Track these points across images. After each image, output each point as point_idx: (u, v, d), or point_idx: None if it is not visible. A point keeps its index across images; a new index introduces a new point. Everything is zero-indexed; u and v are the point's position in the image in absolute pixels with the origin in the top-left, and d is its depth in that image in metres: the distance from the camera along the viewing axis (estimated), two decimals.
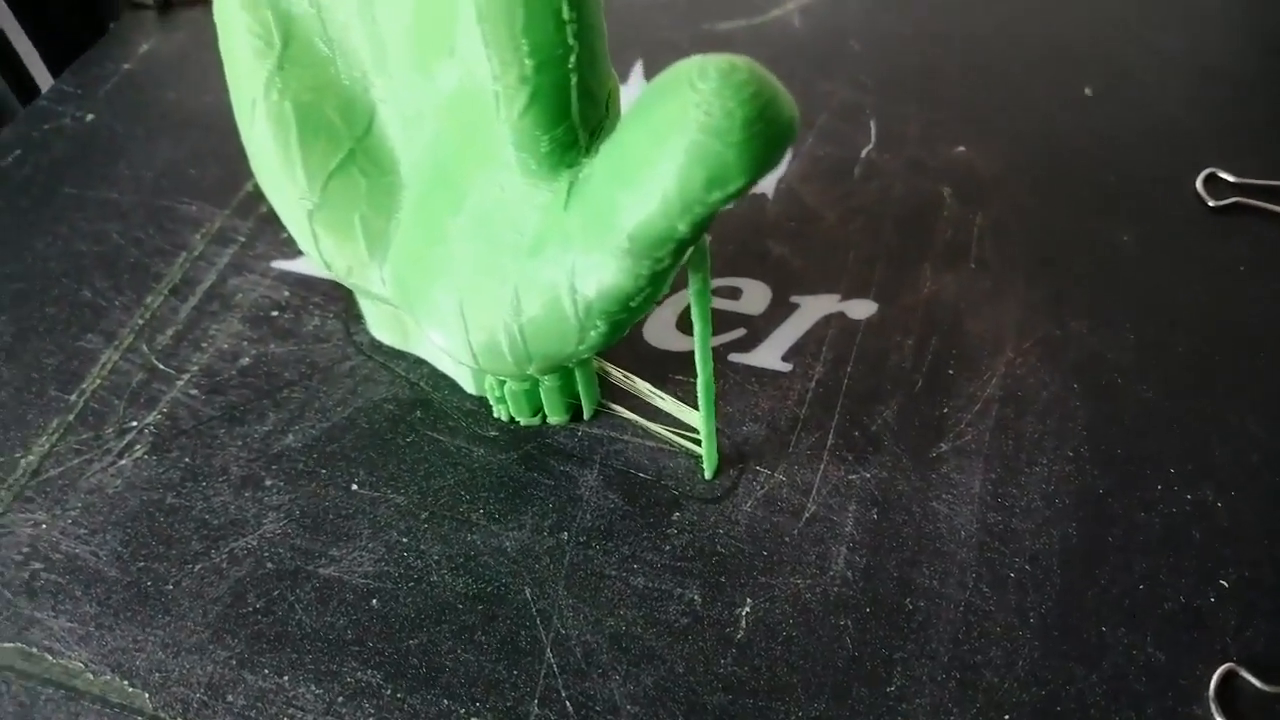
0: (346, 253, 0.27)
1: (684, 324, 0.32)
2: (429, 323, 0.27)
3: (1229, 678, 0.24)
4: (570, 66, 0.22)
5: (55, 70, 0.43)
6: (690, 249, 0.22)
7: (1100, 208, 0.35)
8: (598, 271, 0.22)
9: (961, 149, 0.36)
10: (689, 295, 0.24)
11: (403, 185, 0.26)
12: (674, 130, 0.18)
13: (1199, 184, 0.35)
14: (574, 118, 0.22)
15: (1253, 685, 0.24)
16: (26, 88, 0.44)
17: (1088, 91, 0.38)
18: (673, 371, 0.31)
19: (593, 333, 0.24)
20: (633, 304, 0.23)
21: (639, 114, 0.20)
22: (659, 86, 0.19)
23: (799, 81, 0.39)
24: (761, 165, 0.19)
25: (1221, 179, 0.35)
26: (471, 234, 0.24)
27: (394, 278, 0.27)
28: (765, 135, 0.18)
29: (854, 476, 0.28)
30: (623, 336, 0.25)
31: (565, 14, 0.21)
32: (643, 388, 0.29)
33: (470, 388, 0.31)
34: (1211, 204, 0.34)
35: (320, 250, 0.27)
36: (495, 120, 0.22)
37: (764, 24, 0.42)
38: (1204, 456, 0.28)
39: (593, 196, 0.21)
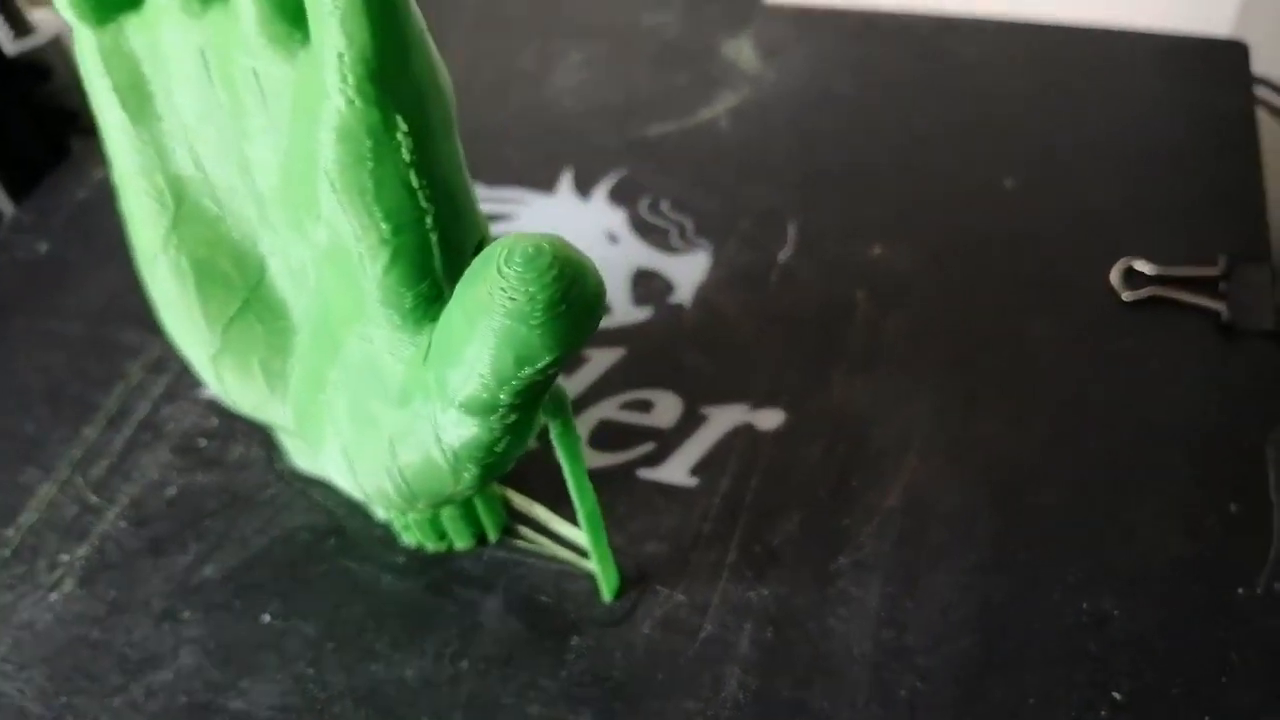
0: (250, 392, 0.28)
1: (597, 441, 0.33)
2: (324, 463, 0.27)
3: None
4: (428, 226, 0.22)
5: (17, 198, 0.45)
6: (541, 399, 0.23)
7: (1016, 303, 0.35)
8: (457, 427, 0.23)
9: (878, 249, 0.37)
10: (553, 439, 0.25)
11: (295, 330, 0.27)
12: (483, 313, 0.19)
13: (1114, 276, 0.35)
14: (438, 273, 0.23)
15: None
16: None
17: (1008, 183, 0.39)
18: None
19: (466, 475, 0.24)
20: (497, 450, 0.24)
21: (459, 294, 0.20)
22: (475, 268, 0.20)
23: (724, 186, 0.40)
24: (567, 343, 0.19)
25: (1138, 271, 0.35)
26: (346, 384, 0.25)
27: (294, 415, 0.28)
28: (568, 316, 0.19)
29: (752, 594, 0.29)
30: (502, 473, 0.25)
31: (414, 182, 0.22)
32: (541, 513, 0.30)
33: (382, 514, 0.31)
34: (1126, 297, 0.34)
35: (226, 390, 0.28)
36: (362, 277, 0.23)
37: (693, 127, 0.43)
38: (1105, 563, 0.28)
39: (434, 362, 0.22)
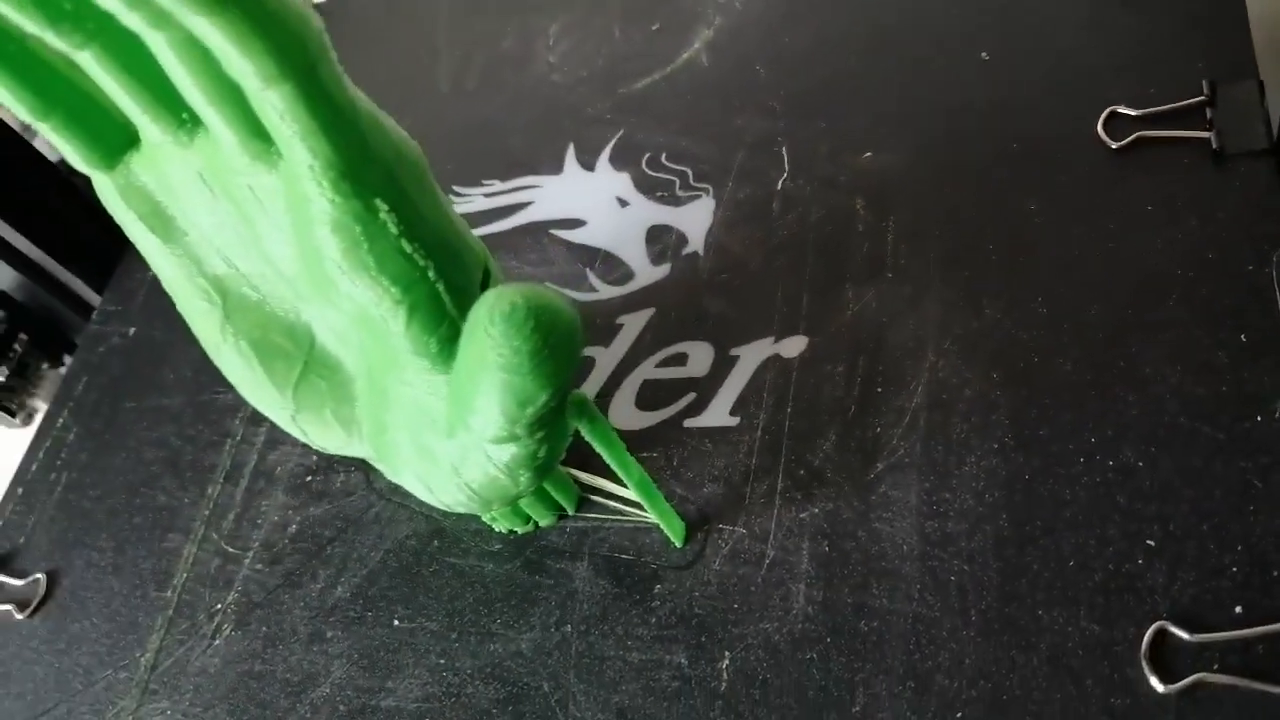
0: (331, 439, 0.32)
1: (641, 402, 0.36)
2: (411, 489, 0.31)
3: (1159, 636, 0.26)
4: (432, 279, 0.25)
5: (99, 288, 0.50)
6: (560, 415, 0.26)
7: (1007, 180, 0.36)
8: (499, 449, 0.26)
9: (869, 154, 0.38)
10: (585, 436, 0.28)
11: (354, 379, 0.31)
12: (483, 370, 0.22)
13: (1100, 126, 0.35)
14: (452, 314, 0.26)
15: (1181, 639, 0.26)
16: (86, 308, 0.51)
17: (984, 56, 0.39)
18: (636, 448, 0.34)
19: (523, 480, 0.28)
20: (539, 459, 0.27)
21: (462, 354, 0.23)
22: (467, 331, 0.23)
23: (714, 125, 0.41)
24: (557, 378, 0.22)
25: (1122, 115, 0.35)
26: (404, 425, 0.29)
27: (374, 452, 0.32)
28: (551, 357, 0.22)
29: (804, 515, 0.31)
30: (555, 466, 0.28)
31: (407, 247, 0.25)
32: (605, 485, 0.33)
33: None
34: (1113, 146, 0.35)
35: (311, 440, 0.32)
36: (389, 334, 0.26)
37: (675, 71, 0.44)
38: (1122, 418, 0.30)
39: (457, 410, 0.25)
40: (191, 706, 0.35)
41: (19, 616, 0.39)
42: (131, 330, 0.46)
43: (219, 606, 0.37)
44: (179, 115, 0.26)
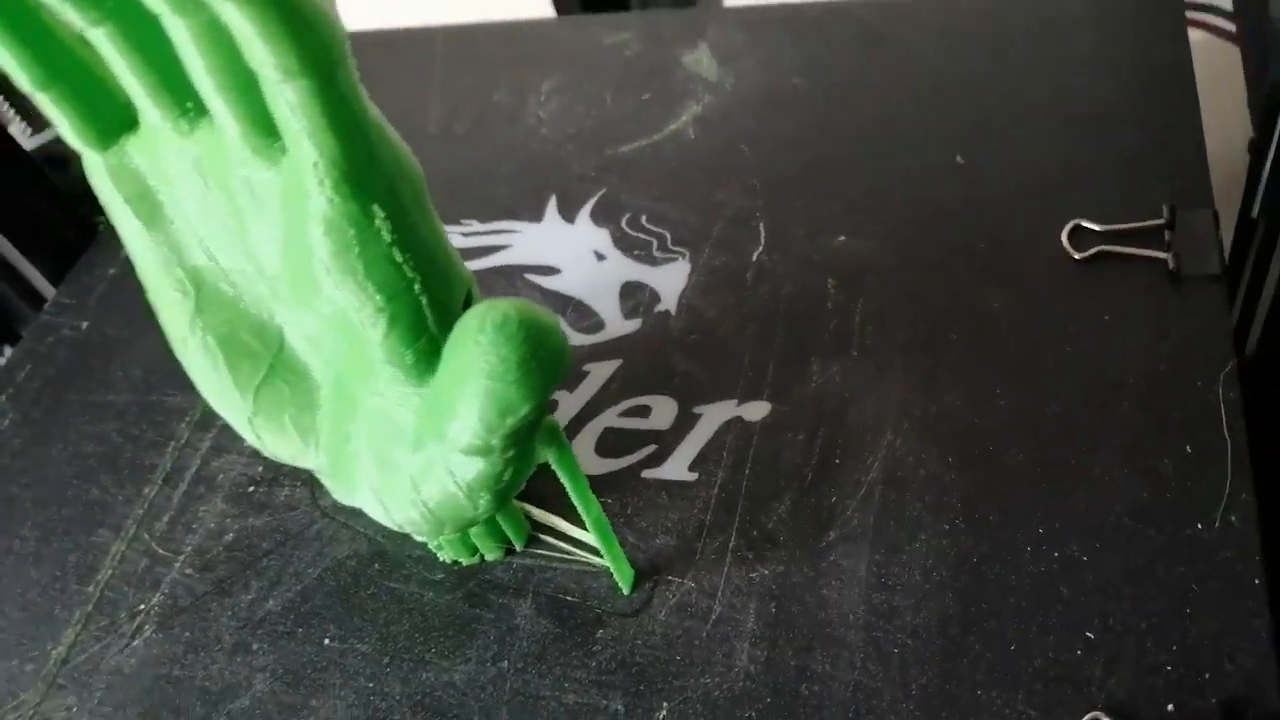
0: (286, 445, 0.32)
1: (601, 448, 0.36)
2: (360, 504, 0.31)
3: None
4: (417, 292, 0.26)
5: (55, 279, 0.49)
6: (533, 436, 0.26)
7: (973, 276, 0.37)
8: (465, 465, 0.26)
9: (843, 238, 0.39)
10: (552, 464, 0.28)
11: (318, 386, 0.31)
12: (469, 375, 0.22)
13: (1064, 237, 0.37)
14: (431, 329, 0.26)
15: None
16: (37, 299, 0.50)
17: (959, 160, 0.41)
18: (599, 492, 0.34)
19: (482, 502, 0.28)
20: (504, 479, 0.27)
21: (446, 358, 0.24)
22: (456, 336, 0.23)
23: (696, 194, 0.43)
24: (540, 392, 0.22)
25: (1086, 229, 0.37)
26: (369, 434, 0.28)
27: (327, 463, 0.31)
28: (538, 370, 0.22)
29: (754, 574, 0.32)
30: (515, 494, 0.28)
31: (398, 257, 0.25)
32: (560, 524, 0.33)
33: (418, 537, 0.35)
34: (1076, 256, 0.37)
35: (265, 446, 0.32)
36: (366, 342, 0.27)
37: (661, 140, 0.45)
38: (1070, 512, 0.31)
39: (433, 417, 0.25)
40: (100, 705, 0.33)
41: None
42: (84, 325, 0.46)
43: (142, 607, 0.35)
44: (184, 102, 0.26)
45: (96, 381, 0.43)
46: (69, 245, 0.49)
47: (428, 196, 0.26)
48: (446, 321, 0.26)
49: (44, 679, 0.34)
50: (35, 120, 0.50)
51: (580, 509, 0.29)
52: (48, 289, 0.49)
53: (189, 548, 0.37)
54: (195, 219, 0.28)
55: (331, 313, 0.28)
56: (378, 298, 0.25)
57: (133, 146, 0.28)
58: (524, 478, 0.28)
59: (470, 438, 0.24)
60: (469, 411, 0.23)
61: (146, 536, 0.37)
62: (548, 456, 0.27)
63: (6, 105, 0.47)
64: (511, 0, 0.59)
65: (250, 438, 0.32)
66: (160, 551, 0.37)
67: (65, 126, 0.27)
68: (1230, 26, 0.45)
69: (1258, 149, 0.39)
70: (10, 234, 0.47)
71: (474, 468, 0.26)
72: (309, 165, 0.23)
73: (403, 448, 0.28)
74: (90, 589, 0.36)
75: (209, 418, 0.40)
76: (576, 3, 0.58)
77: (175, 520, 0.38)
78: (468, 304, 0.28)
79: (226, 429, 0.39)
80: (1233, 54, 0.45)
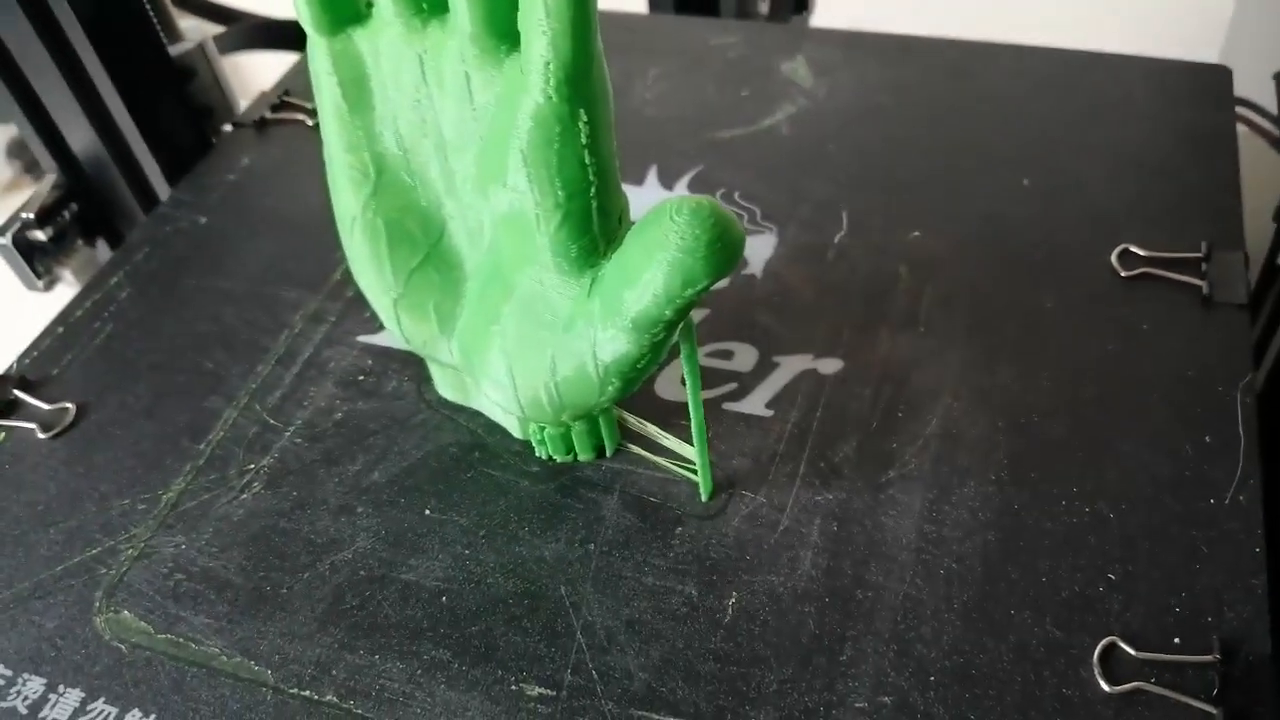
0: (422, 330, 0.35)
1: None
2: (486, 382, 0.35)
3: (1109, 648, 0.31)
4: (591, 195, 0.30)
5: (171, 181, 0.52)
6: (679, 326, 0.30)
7: (1030, 279, 0.42)
8: (612, 343, 0.30)
9: (917, 234, 0.44)
10: (682, 359, 0.32)
11: (467, 279, 0.35)
12: (660, 248, 0.27)
13: (1114, 257, 0.42)
14: (595, 231, 0.30)
15: (1128, 653, 0.31)
16: (149, 197, 0.53)
17: (1025, 183, 0.46)
18: (676, 417, 0.38)
19: (610, 388, 0.32)
20: (639, 365, 0.31)
21: (635, 235, 0.28)
22: (649, 217, 0.27)
23: (784, 179, 0.47)
24: (720, 271, 0.27)
25: (1133, 253, 0.42)
26: (519, 316, 0.32)
27: (459, 348, 0.35)
28: (722, 251, 0.26)
29: (819, 498, 0.36)
30: (634, 391, 0.33)
31: (587, 160, 0.29)
32: (653, 430, 0.37)
33: (517, 433, 0.38)
34: (1123, 274, 0.42)
35: (402, 329, 0.36)
36: (536, 233, 0.31)
37: (758, 131, 0.50)
38: (1101, 478, 0.35)
39: (606, 290, 0.29)
40: (208, 545, 0.37)
41: (41, 436, 0.41)
42: (202, 220, 0.49)
43: (252, 466, 0.39)
44: (420, 2, 0.31)
45: (213, 270, 0.47)
46: (185, 154, 0.53)
47: (613, 119, 0.31)
48: (606, 227, 0.31)
49: (155, 518, 0.38)
50: (171, 30, 0.54)
51: (691, 405, 0.33)
52: (160, 191, 0.53)
53: (299, 421, 0.40)
54: (399, 107, 0.32)
55: (505, 206, 0.32)
56: (561, 193, 0.29)
57: (359, 36, 0.32)
58: (652, 369, 0.32)
59: (647, 303, 0.28)
60: (653, 279, 0.27)
61: (258, 407, 0.41)
62: (682, 351, 0.31)
63: (152, 13, 0.51)
64: None
65: (389, 319, 0.36)
66: (271, 421, 0.40)
67: (303, 12, 0.31)
68: (1259, 120, 0.51)
69: None
70: (138, 120, 0.50)
71: (619, 348, 0.30)
72: (540, 65, 0.27)
73: (551, 329, 0.32)
74: (201, 446, 0.40)
75: (323, 311, 0.44)
76: (670, 3, 0.63)
77: (287, 396, 0.41)
78: (620, 221, 0.32)
79: (339, 324, 0.43)
80: (1255, 143, 0.51)
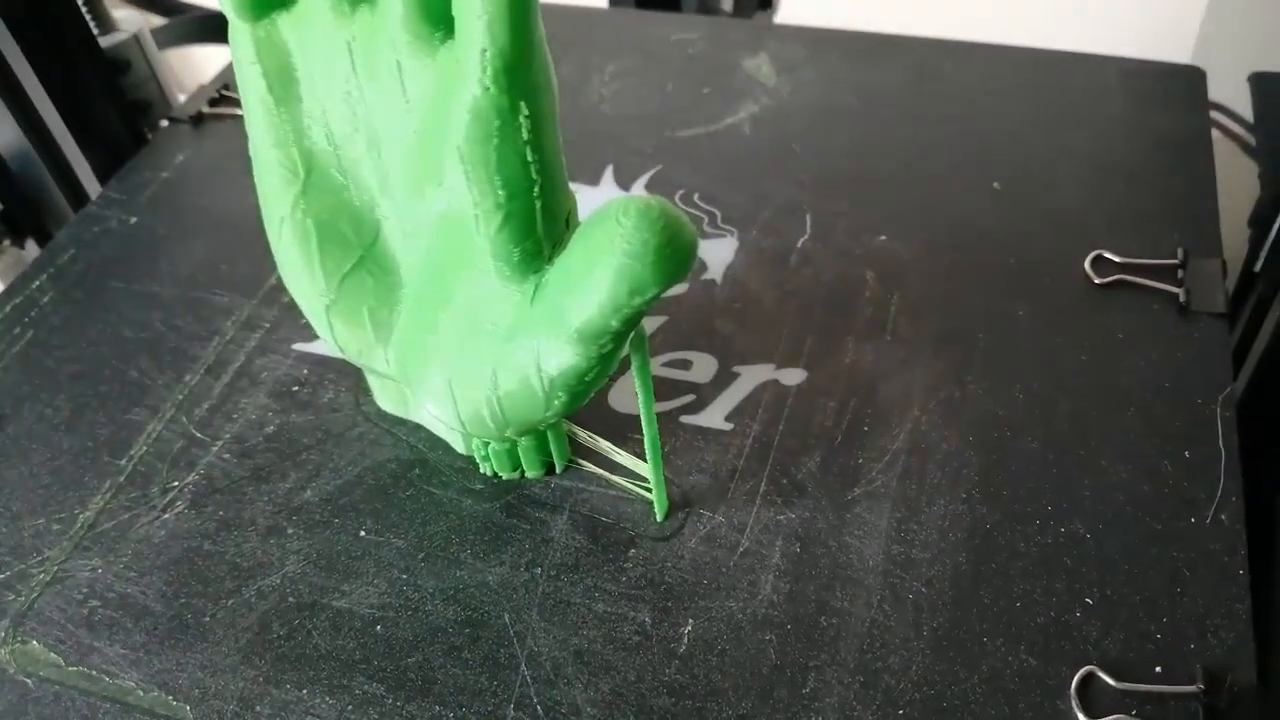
0: (357, 338, 0.33)
1: None
2: (424, 396, 0.32)
3: (1088, 678, 0.29)
4: (535, 195, 0.27)
5: (102, 178, 0.50)
6: (629, 337, 0.28)
7: (1001, 286, 0.40)
8: (557, 355, 0.28)
9: (884, 238, 0.42)
10: (633, 371, 0.30)
11: (403, 284, 0.32)
12: (605, 253, 0.24)
13: (1087, 264, 0.40)
14: (539, 233, 0.28)
15: (1107, 684, 0.29)
16: (78, 195, 0.50)
17: (996, 186, 0.44)
18: (632, 431, 0.36)
19: (556, 402, 0.30)
20: (587, 379, 0.29)
21: (579, 239, 0.26)
22: (594, 220, 0.25)
23: (746, 180, 0.45)
24: (670, 278, 0.24)
25: (1107, 259, 0.41)
26: (457, 325, 0.30)
27: (396, 359, 0.33)
28: (672, 256, 0.24)
29: (781, 517, 0.34)
30: (583, 404, 0.30)
31: (529, 157, 0.27)
32: (604, 446, 0.35)
33: (460, 448, 0.36)
34: (1097, 281, 0.40)
35: (335, 337, 0.33)
36: (475, 236, 0.28)
37: (719, 131, 0.48)
38: (1076, 496, 0.34)
39: (548, 298, 0.27)
40: (126, 569, 0.34)
41: None
42: (132, 220, 0.47)
43: (175, 484, 0.36)
44: None
45: (142, 273, 0.44)
46: (119, 150, 0.50)
47: (557, 114, 0.29)
48: (552, 229, 0.28)
49: (70, 539, 0.35)
50: (103, 20, 0.51)
51: (644, 421, 0.31)
52: (93, 188, 0.50)
53: (227, 435, 0.38)
54: (329, 99, 0.30)
55: (442, 206, 0.29)
56: (501, 193, 0.27)
57: (284, 22, 0.30)
58: (602, 382, 0.29)
59: (592, 313, 0.25)
60: (599, 286, 0.25)
61: (185, 420, 0.38)
62: (633, 363, 0.29)
63: (82, 2, 0.48)
64: None
65: (322, 326, 0.33)
66: (198, 435, 0.38)
67: None
68: (1231, 125, 0.49)
69: (1258, 221, 0.43)
70: (66, 116, 0.48)
71: (564, 360, 0.28)
72: (476, 53, 0.25)
73: (492, 339, 0.29)
74: (122, 462, 0.37)
75: (257, 317, 0.42)
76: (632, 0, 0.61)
77: (215, 409, 0.39)
78: (567, 224, 0.30)
79: (273, 331, 0.41)
80: (1228, 146, 0.50)
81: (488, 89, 0.26)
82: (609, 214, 0.25)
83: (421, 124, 0.28)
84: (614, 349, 0.27)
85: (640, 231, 0.24)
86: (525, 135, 0.27)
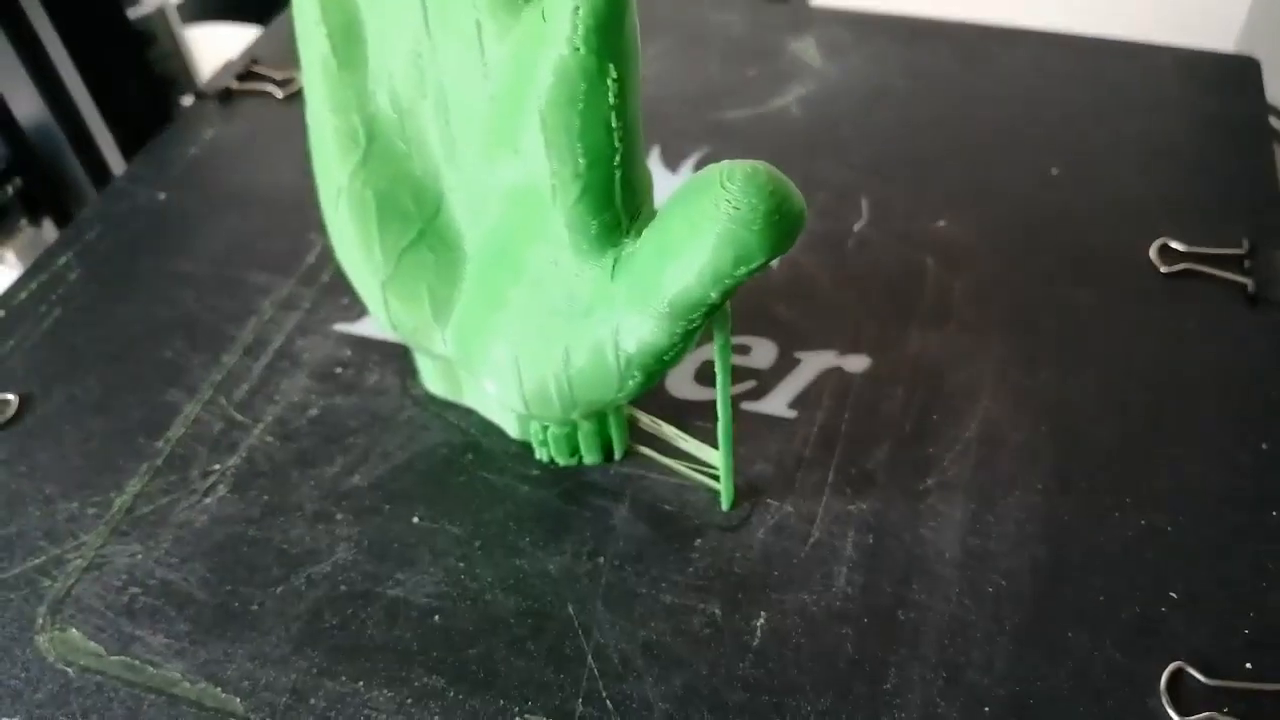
0: (414, 316, 0.32)
1: (701, 377, 0.36)
2: (486, 375, 0.31)
3: (1177, 674, 0.28)
4: (615, 164, 0.26)
5: (126, 154, 0.48)
6: (715, 312, 0.27)
7: (1065, 273, 0.39)
8: (639, 330, 0.27)
9: (942, 223, 0.41)
10: (713, 350, 0.28)
11: (466, 260, 0.31)
12: (708, 219, 0.23)
13: (1152, 252, 0.40)
14: (618, 206, 0.27)
15: (1198, 680, 0.28)
16: (100, 173, 0.49)
17: (1054, 171, 0.43)
18: (691, 418, 0.35)
19: (630, 382, 0.28)
20: (666, 357, 0.27)
21: (678, 205, 0.24)
22: (693, 185, 0.24)
23: (798, 163, 0.44)
24: (778, 247, 0.23)
25: (1172, 248, 0.40)
26: (529, 300, 0.29)
27: (455, 337, 0.32)
28: (781, 224, 0.23)
29: (852, 508, 0.33)
30: (653, 385, 0.29)
31: (614, 123, 0.26)
32: (669, 431, 0.33)
33: (515, 433, 0.35)
34: (1163, 270, 0.39)
35: (390, 314, 0.32)
36: (551, 207, 0.27)
37: (766, 113, 0.47)
38: (1154, 488, 0.33)
39: (638, 270, 0.26)
40: (167, 555, 0.33)
41: None
42: (161, 196, 0.45)
43: (217, 467, 0.35)
44: None
45: (172, 250, 0.42)
46: (142, 125, 0.49)
47: (640, 80, 0.27)
48: (630, 202, 0.27)
49: (107, 523, 0.34)
50: None
51: (719, 406, 0.30)
52: (118, 165, 0.49)
53: (269, 417, 0.36)
54: (397, 61, 0.29)
55: (515, 176, 0.28)
56: (581, 161, 0.26)
57: None
58: (677, 362, 0.28)
59: (690, 282, 0.24)
60: (700, 254, 0.23)
61: (224, 402, 0.37)
62: (715, 341, 0.28)
63: None
64: None
65: (377, 303, 0.32)
66: (238, 417, 0.36)
67: None
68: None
69: None
70: (93, 88, 0.46)
71: (642, 336, 0.27)
72: (567, 11, 0.24)
73: (567, 315, 0.28)
74: (159, 444, 0.36)
75: (295, 297, 0.40)
76: None
77: (255, 390, 0.37)
78: (644, 199, 0.28)
79: (314, 311, 0.39)
80: None
81: (577, 49, 0.24)
82: (712, 179, 0.23)
83: (499, 87, 0.27)
84: (699, 324, 0.26)
85: (748, 196, 0.23)
86: (611, 100, 0.25)
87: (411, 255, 0.31)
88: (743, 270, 0.24)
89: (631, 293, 0.26)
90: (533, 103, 0.26)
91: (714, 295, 0.24)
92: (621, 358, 0.28)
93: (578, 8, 0.24)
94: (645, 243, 0.26)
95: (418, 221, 0.31)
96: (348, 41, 0.29)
